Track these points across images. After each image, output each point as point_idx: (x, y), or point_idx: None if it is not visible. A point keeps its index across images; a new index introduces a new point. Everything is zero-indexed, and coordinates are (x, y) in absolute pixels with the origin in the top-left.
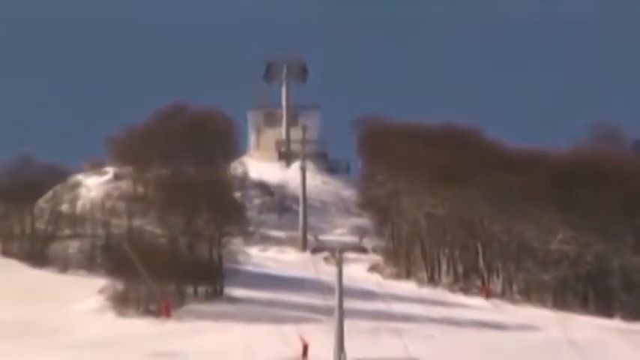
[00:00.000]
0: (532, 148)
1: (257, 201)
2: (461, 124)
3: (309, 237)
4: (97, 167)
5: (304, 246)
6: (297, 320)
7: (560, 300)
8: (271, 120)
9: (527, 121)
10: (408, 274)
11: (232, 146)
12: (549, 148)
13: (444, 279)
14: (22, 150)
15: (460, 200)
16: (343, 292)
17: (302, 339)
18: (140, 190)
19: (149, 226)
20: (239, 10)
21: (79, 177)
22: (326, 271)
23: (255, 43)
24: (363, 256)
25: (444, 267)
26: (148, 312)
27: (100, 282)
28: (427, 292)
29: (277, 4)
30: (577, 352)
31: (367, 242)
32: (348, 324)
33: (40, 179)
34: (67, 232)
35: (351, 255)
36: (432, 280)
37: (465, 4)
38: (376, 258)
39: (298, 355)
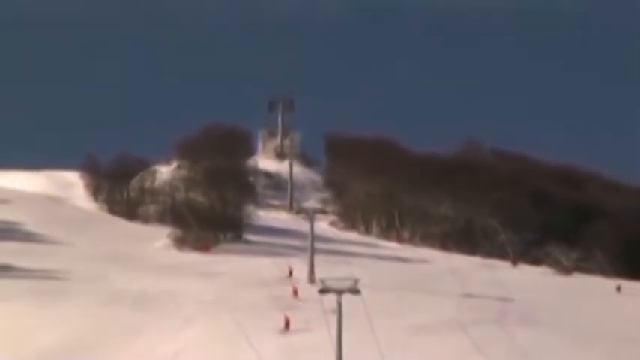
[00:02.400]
0: (430, 151)
1: (262, 182)
2: (387, 136)
3: (294, 205)
4: (167, 160)
5: (291, 210)
6: (286, 255)
7: (444, 244)
8: (272, 134)
9: (427, 128)
10: (352, 228)
11: (249, 149)
12: (442, 150)
13: (374, 230)
14: (125, 147)
15: (386, 184)
16: (314, 237)
17: (289, 266)
18: (192, 175)
19: (197, 197)
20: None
21: (157, 166)
22: (304, 225)
23: (262, 83)
24: (325, 216)
25: (374, 223)
26: (196, 248)
27: (167, 230)
28: (364, 238)
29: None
30: (453, 275)
31: (328, 208)
32: (316, 258)
33: (133, 167)
34: (148, 199)
35: (318, 215)
36: (367, 231)
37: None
38: (334, 217)
39: (286, 275)
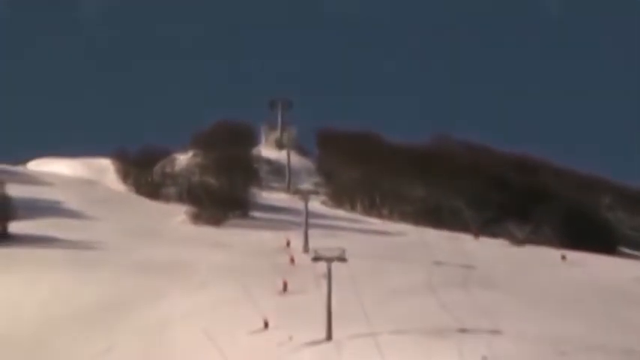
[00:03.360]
0: (406, 143)
1: (265, 168)
2: (369, 130)
3: (291, 187)
4: (185, 150)
5: (289, 191)
6: (285, 229)
7: (417, 221)
8: (272, 128)
9: (404, 123)
10: (340, 206)
11: (253, 141)
12: (417, 142)
13: (359, 209)
14: (149, 138)
15: (368, 171)
16: (308, 214)
17: (287, 238)
18: (206, 162)
19: (210, 180)
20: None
21: (176, 155)
22: (299, 204)
23: (264, 86)
24: (318, 197)
25: (359, 203)
26: (210, 222)
27: (185, 207)
28: (350, 215)
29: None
30: (424, 246)
31: (320, 190)
32: (309, 231)
33: (156, 155)
34: (169, 182)
35: (312, 196)
36: (353, 209)
37: None
38: (324, 198)
39: (284, 246)
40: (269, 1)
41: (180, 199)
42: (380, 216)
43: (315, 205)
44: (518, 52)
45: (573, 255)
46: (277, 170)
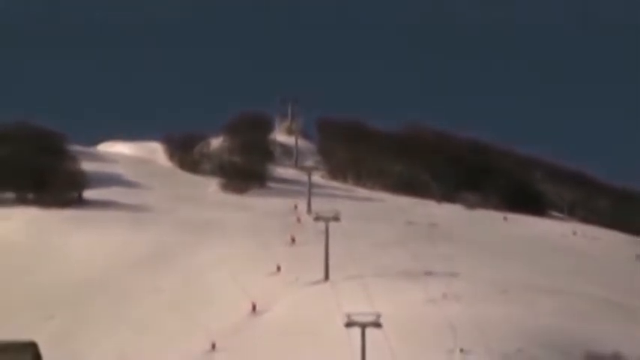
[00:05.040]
0: (387, 129)
1: (278, 149)
2: (358, 119)
3: (298, 164)
4: (217, 135)
5: (296, 167)
6: (293, 196)
7: (394, 190)
8: (284, 119)
9: (385, 113)
10: (336, 179)
11: (269, 128)
12: (395, 128)
13: (350, 181)
14: (190, 126)
15: (357, 151)
16: (311, 185)
17: (295, 204)
18: (233, 144)
19: (236, 159)
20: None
21: (211, 139)
22: (304, 177)
23: (277, 85)
24: (318, 171)
25: (350, 176)
26: (235, 191)
27: (217, 179)
28: (343, 186)
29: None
30: (399, 210)
31: (320, 166)
32: (312, 198)
33: (195, 139)
34: (205, 160)
35: (314, 171)
36: (345, 181)
37: None
38: (323, 172)
39: (293, 209)
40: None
41: (213, 173)
42: (366, 187)
43: (316, 178)
44: (479, 54)
45: (513, 216)
46: (287, 151)
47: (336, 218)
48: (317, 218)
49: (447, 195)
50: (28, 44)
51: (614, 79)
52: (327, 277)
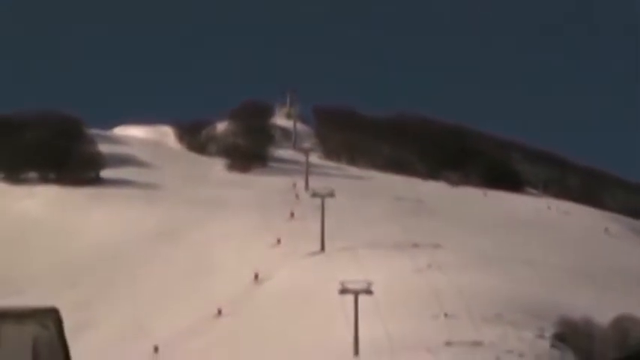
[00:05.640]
0: (377, 115)
1: (278, 133)
2: (349, 106)
3: (297, 146)
4: (222, 120)
5: (295, 149)
6: (292, 174)
7: (384, 169)
8: (283, 105)
9: (375, 101)
10: (331, 159)
11: (271, 114)
12: (385, 115)
13: (343, 161)
14: (198, 112)
15: (349, 135)
16: (308, 165)
17: (294, 182)
18: (237, 128)
19: (240, 141)
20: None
21: (217, 123)
22: (302, 157)
23: (277, 76)
24: (315, 152)
25: (343, 157)
26: (240, 170)
27: (222, 160)
28: (336, 165)
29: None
30: (389, 187)
31: (316, 148)
32: (309, 176)
33: (202, 123)
34: (211, 142)
35: (311, 152)
36: (339, 161)
37: None
38: (319, 153)
39: (292, 186)
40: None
41: (218, 154)
42: (358, 166)
43: (313, 158)
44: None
45: (492, 193)
46: (286, 134)
47: (331, 195)
48: (314, 195)
49: (432, 173)
50: (47, 41)
51: (585, 68)
52: (322, 248)
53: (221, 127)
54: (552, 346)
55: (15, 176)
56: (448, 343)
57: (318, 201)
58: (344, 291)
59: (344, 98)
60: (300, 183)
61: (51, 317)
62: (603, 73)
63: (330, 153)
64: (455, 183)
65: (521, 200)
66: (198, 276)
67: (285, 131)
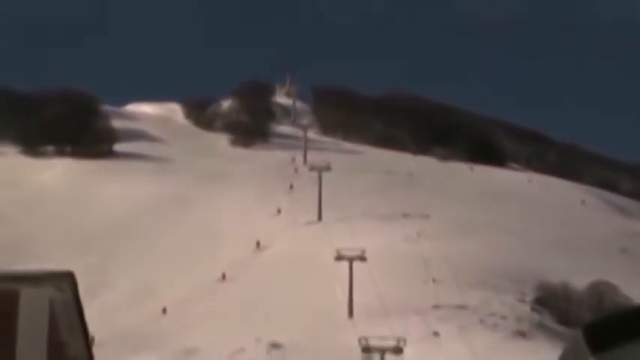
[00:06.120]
0: (370, 94)
1: (279, 110)
2: (345, 86)
3: (296, 122)
4: (227, 98)
5: (294, 125)
6: (291, 149)
7: (376, 145)
8: (283, 85)
9: (369, 80)
10: (327, 135)
11: (272, 92)
12: (377, 94)
13: (339, 136)
14: (204, 91)
15: (344, 112)
16: (306, 140)
17: (292, 156)
18: (240, 106)
19: (242, 118)
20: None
21: (222, 101)
22: (301, 133)
23: (278, 59)
24: (312, 128)
25: (339, 133)
26: (243, 145)
27: (227, 135)
28: (332, 141)
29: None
30: (380, 161)
31: (314, 124)
32: (307, 151)
33: (208, 101)
34: (217, 119)
35: (309, 128)
36: (335, 137)
37: None
38: (317, 129)
39: (291, 160)
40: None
41: (223, 130)
42: (352, 142)
43: (311, 134)
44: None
45: (478, 167)
46: (286, 112)
47: (328, 169)
48: (311, 168)
49: (421, 149)
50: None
51: (565, 48)
52: (320, 218)
53: (225, 104)
54: (532, 309)
55: (34, 150)
56: (436, 307)
57: (315, 174)
58: (339, 258)
59: (340, 78)
60: (299, 157)
61: (66, 280)
62: (583, 54)
63: (327, 129)
64: (443, 158)
65: (505, 174)
66: (204, 243)
67: (284, 109)
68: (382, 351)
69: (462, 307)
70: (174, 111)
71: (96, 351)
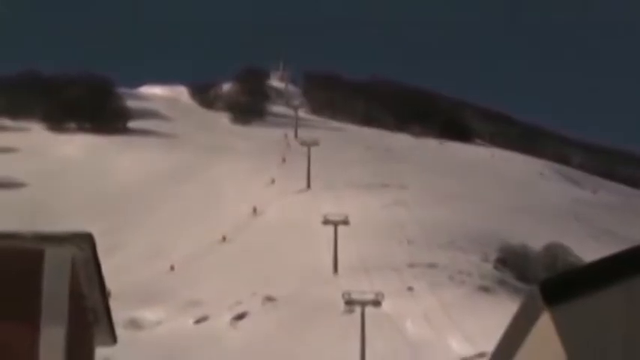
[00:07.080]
0: (357, 79)
1: (273, 92)
2: (335, 71)
3: (288, 103)
4: (227, 82)
5: (287, 105)
6: (284, 126)
7: (360, 124)
8: (277, 70)
9: (357, 66)
10: (316, 114)
11: (267, 77)
12: (364, 79)
13: (326, 115)
14: (208, 76)
15: (333, 95)
16: (298, 118)
17: (285, 133)
18: (239, 88)
19: (241, 98)
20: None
21: (223, 84)
22: (293, 113)
23: (273, 47)
24: (303, 108)
25: (327, 113)
26: (241, 123)
27: (227, 114)
28: (322, 119)
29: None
30: (367, 140)
31: (305, 104)
32: (298, 128)
33: (211, 85)
34: (218, 100)
35: (300, 108)
36: (323, 116)
37: None
38: (307, 109)
39: (284, 137)
40: None
41: (224, 109)
42: (339, 120)
43: (302, 113)
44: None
45: (447, 143)
46: (280, 93)
47: (316, 144)
48: (302, 143)
49: (399, 126)
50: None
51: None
52: (309, 187)
53: (226, 87)
54: (495, 267)
55: (58, 126)
56: (410, 265)
57: (305, 148)
58: (326, 222)
59: (327, 62)
60: (291, 134)
61: (86, 240)
62: (549, 38)
63: (316, 109)
64: (417, 134)
65: (471, 149)
66: (207, 208)
67: (278, 91)
68: (363, 304)
69: (433, 265)
70: (181, 93)
71: (112, 303)
